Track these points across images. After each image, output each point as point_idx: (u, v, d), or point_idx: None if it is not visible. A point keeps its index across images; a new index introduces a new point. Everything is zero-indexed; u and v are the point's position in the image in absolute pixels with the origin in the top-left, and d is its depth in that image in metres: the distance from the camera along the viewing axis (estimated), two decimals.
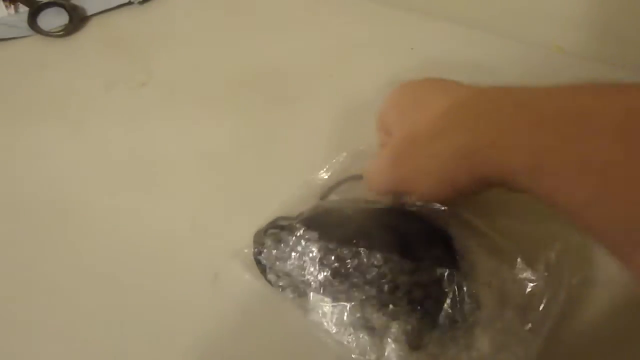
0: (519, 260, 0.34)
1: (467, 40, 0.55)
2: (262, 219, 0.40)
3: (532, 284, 0.33)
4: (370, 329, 0.33)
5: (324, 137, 0.48)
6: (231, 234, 0.41)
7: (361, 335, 0.33)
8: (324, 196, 0.41)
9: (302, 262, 0.35)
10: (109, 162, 0.49)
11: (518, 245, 0.35)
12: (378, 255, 0.33)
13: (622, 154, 0.24)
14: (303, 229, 0.36)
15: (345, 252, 0.34)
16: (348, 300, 0.34)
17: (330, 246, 0.35)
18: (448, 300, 0.32)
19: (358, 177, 0.40)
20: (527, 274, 0.34)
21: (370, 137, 0.46)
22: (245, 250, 0.39)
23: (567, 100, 0.28)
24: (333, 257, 0.34)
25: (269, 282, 0.37)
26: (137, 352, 0.38)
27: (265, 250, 0.37)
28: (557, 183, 0.26)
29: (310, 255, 0.35)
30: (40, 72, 0.57)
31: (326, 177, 0.42)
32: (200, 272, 0.40)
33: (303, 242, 0.35)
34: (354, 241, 0.34)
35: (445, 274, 0.33)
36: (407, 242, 0.35)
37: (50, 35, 0.59)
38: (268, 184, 0.45)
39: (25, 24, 0.59)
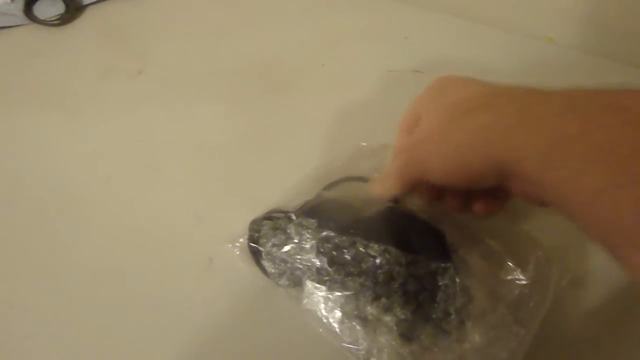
0: (508, 262, 0.34)
1: (459, 30, 0.55)
2: (259, 207, 0.40)
3: (521, 284, 0.33)
4: (363, 319, 0.33)
5: (318, 125, 0.47)
6: (228, 222, 0.41)
7: (354, 325, 0.33)
8: (323, 190, 0.41)
9: (298, 249, 0.35)
10: (105, 150, 0.48)
11: (508, 245, 0.35)
12: (375, 246, 0.33)
13: None
14: (301, 216, 0.36)
15: (342, 241, 0.34)
16: (343, 289, 0.33)
17: (328, 234, 0.34)
18: (442, 294, 0.32)
19: (359, 179, 0.40)
20: (516, 274, 0.34)
21: (363, 125, 0.47)
22: (241, 240, 0.38)
23: (597, 94, 0.27)
24: (330, 246, 0.34)
25: (264, 269, 0.37)
26: (132, 337, 0.38)
27: (261, 237, 0.37)
28: (568, 172, 0.25)
29: (308, 242, 0.35)
30: (36, 60, 0.56)
31: (326, 171, 0.42)
32: (196, 259, 0.40)
33: (301, 229, 0.35)
34: (352, 231, 0.34)
35: (440, 267, 0.33)
36: (404, 236, 0.35)
37: (46, 24, 0.58)
38: (264, 172, 0.45)
39: (21, 13, 0.58)
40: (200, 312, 0.38)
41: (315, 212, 0.37)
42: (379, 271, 0.33)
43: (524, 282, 0.33)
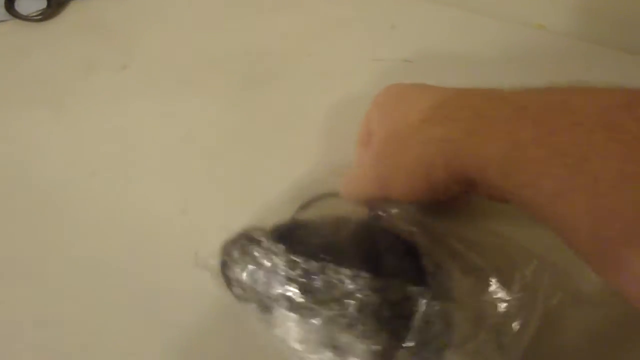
0: (493, 280, 0.32)
1: (447, 18, 0.53)
2: (244, 203, 0.40)
3: (506, 304, 0.31)
4: (335, 348, 0.31)
5: (305, 117, 0.47)
6: (214, 216, 0.41)
7: (327, 354, 0.32)
8: (300, 209, 0.40)
9: (268, 276, 0.33)
10: (90, 146, 0.47)
11: (493, 262, 0.33)
12: (347, 271, 0.32)
13: (600, 145, 0.23)
14: (270, 241, 0.34)
15: (312, 266, 0.32)
16: (314, 317, 0.32)
17: (298, 260, 0.33)
18: (418, 320, 0.30)
19: (335, 194, 0.39)
20: (501, 294, 0.32)
21: (351, 115, 0.46)
22: (211, 262, 0.37)
23: (548, 95, 0.27)
24: (300, 272, 0.32)
25: (235, 295, 0.35)
26: (117, 330, 0.37)
27: (232, 262, 0.35)
28: (527, 176, 0.25)
29: (277, 269, 0.33)
30: (19, 57, 0.55)
31: (307, 182, 0.41)
32: (181, 253, 0.40)
33: (270, 255, 0.33)
34: (322, 256, 0.32)
35: (416, 291, 0.31)
36: (378, 259, 0.33)
37: (29, 20, 0.57)
38: (251, 164, 0.44)
39: (2, 9, 0.57)
40: (186, 306, 0.38)
41: (286, 236, 0.35)
42: (351, 298, 0.31)
43: (510, 303, 0.31)
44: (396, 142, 0.32)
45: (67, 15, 0.58)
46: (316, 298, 0.32)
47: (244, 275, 0.34)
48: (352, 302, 0.31)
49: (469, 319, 0.31)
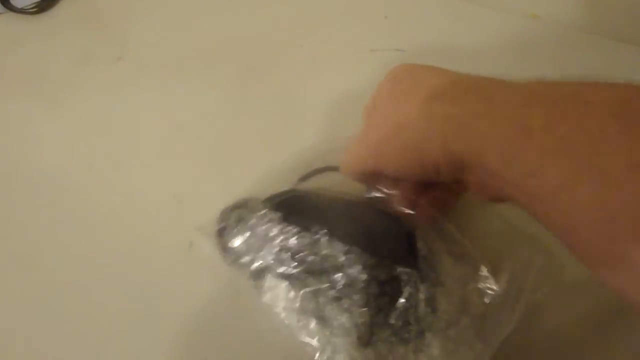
0: (483, 268, 0.32)
1: (440, 8, 0.53)
2: (238, 189, 0.39)
3: (492, 294, 0.31)
4: (321, 318, 0.31)
5: (298, 108, 0.47)
6: (208, 205, 0.40)
7: (311, 323, 0.32)
8: (299, 181, 0.39)
9: (261, 243, 0.33)
10: (85, 137, 0.47)
11: (485, 252, 0.33)
12: (340, 245, 0.32)
13: (611, 137, 0.21)
14: (266, 209, 0.34)
15: (306, 237, 0.32)
16: (303, 286, 0.32)
17: (292, 230, 0.33)
18: (403, 301, 0.30)
19: (335, 168, 0.38)
20: (489, 283, 0.31)
21: (344, 105, 0.46)
22: (209, 226, 0.37)
23: (559, 85, 0.25)
24: (293, 241, 0.33)
25: (229, 260, 0.35)
26: (112, 321, 0.37)
27: (227, 228, 0.35)
28: (531, 165, 0.23)
29: (271, 236, 0.33)
30: (14, 49, 0.54)
31: (307, 157, 0.40)
32: (176, 243, 0.40)
33: (265, 223, 0.34)
34: (317, 228, 0.33)
35: (405, 273, 0.31)
36: (371, 236, 0.33)
37: (24, 13, 0.57)
38: (245, 154, 0.44)
39: None
40: (180, 295, 0.37)
41: (283, 205, 0.35)
42: (341, 271, 0.31)
43: (496, 293, 0.31)
44: (397, 115, 0.31)
45: (62, 8, 0.58)
46: (307, 268, 0.32)
47: (239, 242, 0.34)
48: (342, 275, 0.31)
49: (454, 305, 0.31)
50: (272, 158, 0.42)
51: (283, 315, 0.32)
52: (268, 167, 0.42)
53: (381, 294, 0.31)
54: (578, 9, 0.52)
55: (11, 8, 0.57)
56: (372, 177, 0.35)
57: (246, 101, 0.48)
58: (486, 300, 0.31)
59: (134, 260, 0.40)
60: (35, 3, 0.57)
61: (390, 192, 0.35)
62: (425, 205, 0.34)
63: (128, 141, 0.47)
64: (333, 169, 0.38)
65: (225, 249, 0.35)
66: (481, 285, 0.31)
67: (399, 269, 0.31)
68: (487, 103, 0.27)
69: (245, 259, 0.34)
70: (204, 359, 0.36)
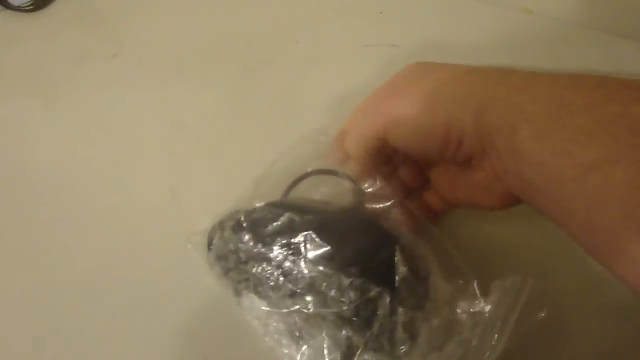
0: (473, 286, 0.30)
1: (434, 3, 0.52)
2: (236, 189, 0.39)
3: (481, 317, 0.29)
4: (295, 338, 0.31)
5: (294, 103, 0.47)
6: (205, 203, 0.40)
7: (284, 342, 0.31)
8: (288, 189, 0.38)
9: (241, 261, 0.33)
10: (82, 135, 0.47)
11: (475, 268, 0.31)
12: (313, 266, 0.30)
13: None
14: (248, 227, 0.33)
15: (282, 255, 0.31)
16: (279, 306, 0.31)
17: (270, 248, 0.32)
18: (378, 324, 0.29)
19: (329, 172, 0.37)
20: (479, 305, 0.29)
21: (340, 100, 0.46)
22: (199, 238, 0.37)
23: (604, 76, 0.24)
24: (270, 260, 0.32)
25: (215, 276, 0.35)
26: (109, 317, 0.38)
27: (212, 247, 0.35)
28: (564, 143, 0.22)
29: (250, 254, 0.32)
30: (11, 47, 0.54)
31: (298, 159, 0.39)
32: (173, 239, 0.40)
33: (245, 241, 0.33)
34: (296, 243, 0.31)
35: (380, 294, 0.29)
36: (351, 252, 0.31)
37: (20, 10, 0.56)
38: (241, 151, 0.44)
39: None
40: (180, 294, 0.38)
41: (259, 223, 0.33)
42: (314, 292, 0.30)
43: (485, 315, 0.29)
44: (429, 81, 0.28)
45: (58, 5, 0.57)
46: (284, 287, 0.31)
47: (220, 259, 0.34)
48: (316, 295, 0.30)
49: (436, 331, 0.29)
50: (270, 157, 0.42)
51: (261, 333, 0.32)
52: (264, 162, 0.41)
53: (355, 315, 0.29)
54: (571, 4, 0.51)
55: (7, 6, 0.56)
56: (373, 157, 0.32)
57: (243, 98, 0.48)
58: (473, 324, 0.29)
59: (133, 258, 0.40)
60: (31, 1, 0.57)
61: (384, 183, 0.33)
62: (414, 209, 0.33)
63: (125, 139, 0.47)
64: (328, 172, 0.37)
65: (211, 264, 0.35)
66: (469, 305, 0.30)
67: (374, 291, 0.29)
68: (529, 80, 0.25)
69: (230, 275, 0.34)
70: (203, 357, 0.36)
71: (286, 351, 0.31)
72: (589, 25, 0.49)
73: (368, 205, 0.34)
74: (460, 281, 0.30)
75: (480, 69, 0.28)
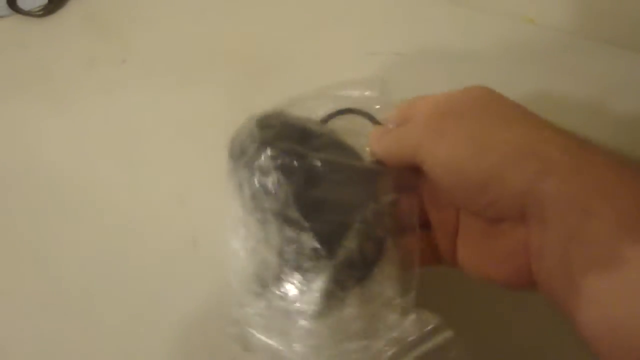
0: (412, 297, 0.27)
1: (438, 12, 0.53)
2: None
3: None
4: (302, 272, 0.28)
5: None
6: (211, 204, 0.41)
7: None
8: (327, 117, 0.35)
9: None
10: (90, 139, 0.47)
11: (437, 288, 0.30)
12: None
13: None
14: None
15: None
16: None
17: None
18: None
19: (366, 115, 0.33)
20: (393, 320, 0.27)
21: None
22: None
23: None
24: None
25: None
26: (117, 319, 0.38)
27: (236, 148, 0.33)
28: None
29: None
30: (21, 51, 0.54)
31: None
32: (180, 240, 0.40)
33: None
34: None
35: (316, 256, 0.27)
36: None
37: (30, 15, 0.57)
38: None
39: (4, 4, 0.56)
40: (184, 294, 0.38)
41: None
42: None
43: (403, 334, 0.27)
44: (485, 113, 0.26)
45: (68, 11, 0.58)
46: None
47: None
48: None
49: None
50: None
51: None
52: None
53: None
54: (572, 14, 0.52)
55: (18, 10, 0.57)
56: (398, 167, 0.29)
57: (249, 103, 0.48)
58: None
59: (138, 259, 0.40)
60: (42, 6, 0.57)
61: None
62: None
63: (132, 142, 0.47)
64: (365, 114, 0.33)
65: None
66: (388, 321, 0.27)
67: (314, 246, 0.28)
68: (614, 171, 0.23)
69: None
70: (208, 356, 0.36)
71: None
72: (591, 35, 0.49)
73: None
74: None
75: (561, 129, 0.24)
